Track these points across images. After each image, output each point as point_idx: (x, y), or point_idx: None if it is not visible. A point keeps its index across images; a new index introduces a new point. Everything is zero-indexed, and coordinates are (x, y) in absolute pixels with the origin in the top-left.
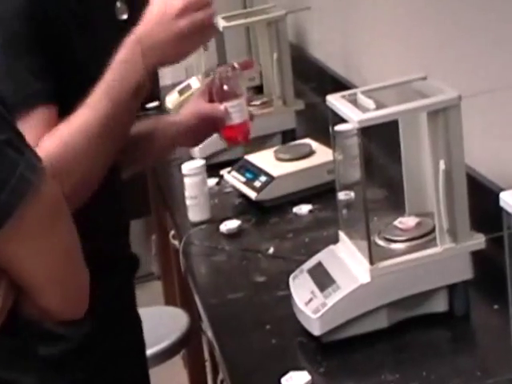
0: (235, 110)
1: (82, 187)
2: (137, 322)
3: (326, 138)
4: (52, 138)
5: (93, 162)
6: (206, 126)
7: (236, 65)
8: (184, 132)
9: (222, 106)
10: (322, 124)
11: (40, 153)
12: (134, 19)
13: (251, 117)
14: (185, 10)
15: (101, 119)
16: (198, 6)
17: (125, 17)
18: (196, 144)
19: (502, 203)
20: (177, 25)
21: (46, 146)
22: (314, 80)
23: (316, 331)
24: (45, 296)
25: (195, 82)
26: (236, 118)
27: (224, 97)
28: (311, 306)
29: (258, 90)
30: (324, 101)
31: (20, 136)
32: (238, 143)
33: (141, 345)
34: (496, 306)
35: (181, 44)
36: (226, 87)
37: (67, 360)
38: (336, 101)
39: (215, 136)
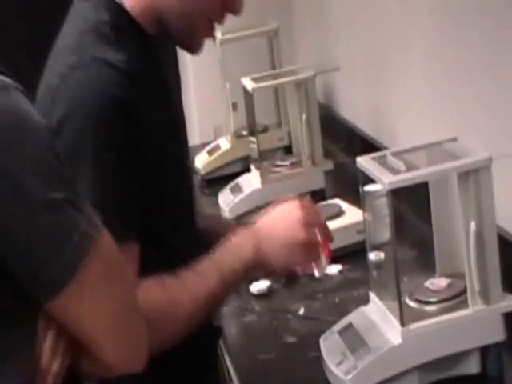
0: None
1: (162, 344)
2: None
3: (356, 197)
4: (160, 288)
5: (187, 327)
6: None
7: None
8: None
9: None
10: (351, 184)
11: (142, 295)
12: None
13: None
14: (308, 225)
15: (208, 294)
16: (317, 225)
17: None
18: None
19: None
20: (299, 234)
21: (152, 294)
22: (343, 140)
23: None
24: (104, 350)
25: (224, 143)
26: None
27: None
28: (342, 367)
29: (287, 150)
30: (353, 161)
31: (78, 194)
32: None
33: None
34: None
35: (294, 252)
36: None
37: None
38: (366, 162)
39: (246, 195)
